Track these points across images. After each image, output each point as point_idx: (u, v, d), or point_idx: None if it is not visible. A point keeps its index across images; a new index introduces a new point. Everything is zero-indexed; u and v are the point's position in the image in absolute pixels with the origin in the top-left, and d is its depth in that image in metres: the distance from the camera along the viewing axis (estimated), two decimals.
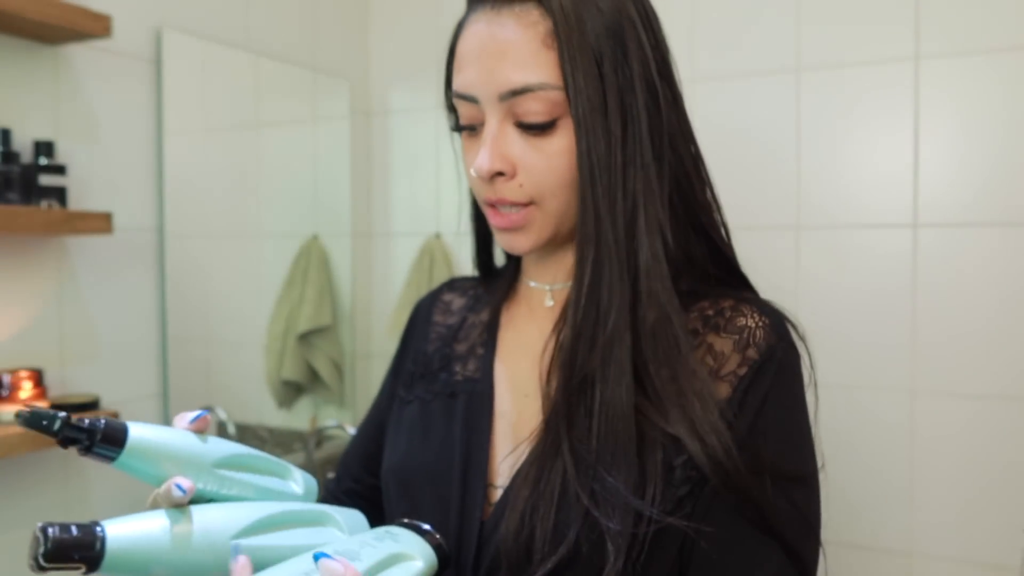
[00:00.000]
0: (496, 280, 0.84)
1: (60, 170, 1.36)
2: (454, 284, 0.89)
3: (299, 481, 0.65)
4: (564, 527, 0.62)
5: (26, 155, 1.34)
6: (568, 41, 0.64)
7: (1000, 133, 1.57)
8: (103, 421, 0.54)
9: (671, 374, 0.64)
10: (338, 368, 2.12)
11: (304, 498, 0.65)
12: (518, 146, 0.66)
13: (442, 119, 2.36)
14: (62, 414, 0.53)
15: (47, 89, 1.42)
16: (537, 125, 0.65)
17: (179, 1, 1.67)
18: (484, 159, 0.66)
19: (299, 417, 2.04)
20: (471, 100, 0.67)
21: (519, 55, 0.64)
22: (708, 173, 0.73)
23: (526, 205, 0.68)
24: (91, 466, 1.49)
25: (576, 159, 0.65)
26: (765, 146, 1.77)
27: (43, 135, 1.38)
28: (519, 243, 0.70)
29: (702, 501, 0.63)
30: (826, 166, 1.72)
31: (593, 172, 0.65)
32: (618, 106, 0.65)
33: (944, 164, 1.62)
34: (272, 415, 1.97)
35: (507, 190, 0.67)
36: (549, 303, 0.76)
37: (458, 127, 0.72)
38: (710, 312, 0.69)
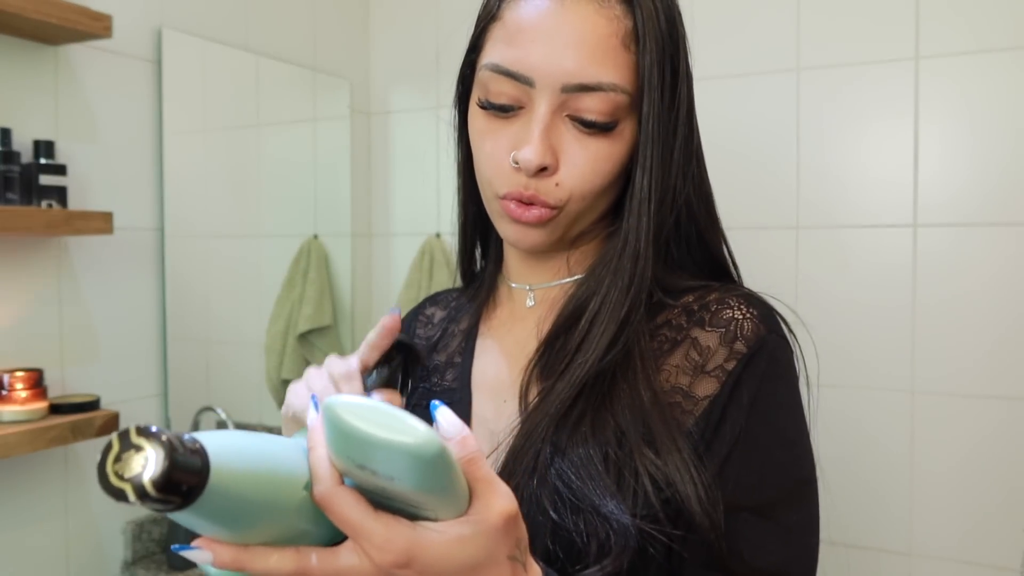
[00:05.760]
0: (475, 286, 0.81)
1: (60, 170, 1.35)
2: (436, 298, 0.86)
3: None
4: (536, 526, 0.58)
5: (26, 155, 1.34)
6: (652, 50, 0.62)
7: (1001, 133, 1.57)
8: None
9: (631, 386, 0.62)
10: None
11: None
12: (566, 141, 0.62)
13: (443, 119, 2.38)
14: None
15: (47, 89, 1.42)
16: (599, 125, 0.62)
17: (179, 1, 1.67)
18: (533, 151, 0.61)
19: None
20: (524, 82, 0.62)
21: (599, 50, 0.60)
22: (706, 172, 0.71)
23: (554, 207, 0.64)
24: (91, 466, 1.49)
25: (639, 170, 0.63)
26: (765, 146, 1.77)
27: (43, 135, 1.38)
28: (534, 239, 0.65)
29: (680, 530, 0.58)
30: (826, 166, 1.72)
31: (651, 185, 0.63)
32: (677, 120, 0.64)
33: (944, 164, 1.62)
34: (272, 415, 1.96)
35: (543, 188, 0.62)
36: (530, 303, 0.73)
37: (484, 104, 0.65)
38: (695, 306, 0.65)
